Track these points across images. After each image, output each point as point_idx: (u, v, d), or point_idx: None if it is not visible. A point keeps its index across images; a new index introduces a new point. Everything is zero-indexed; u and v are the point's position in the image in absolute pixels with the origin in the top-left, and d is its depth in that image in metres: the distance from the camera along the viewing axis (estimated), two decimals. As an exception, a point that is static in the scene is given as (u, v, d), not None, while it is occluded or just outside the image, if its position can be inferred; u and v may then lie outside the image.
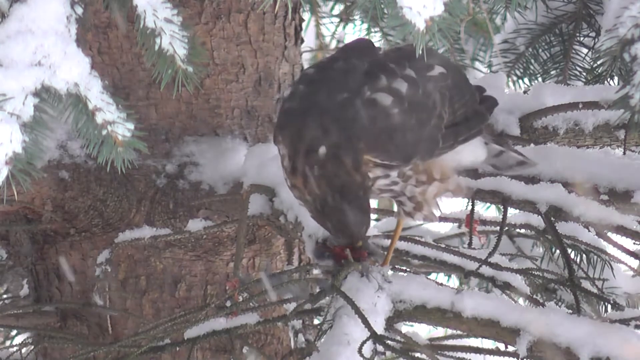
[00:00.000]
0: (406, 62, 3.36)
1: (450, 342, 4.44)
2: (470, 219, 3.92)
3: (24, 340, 4.39)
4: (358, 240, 3.36)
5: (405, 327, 4.13)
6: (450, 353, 3.73)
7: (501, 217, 3.85)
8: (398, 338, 3.38)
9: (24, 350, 4.37)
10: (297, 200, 3.60)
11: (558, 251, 4.25)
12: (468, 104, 3.48)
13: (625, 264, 4.40)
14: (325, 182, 3.26)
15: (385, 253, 3.53)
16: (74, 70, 2.90)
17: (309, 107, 3.29)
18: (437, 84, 3.38)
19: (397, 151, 3.29)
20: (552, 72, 4.84)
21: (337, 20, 5.68)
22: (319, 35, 5.73)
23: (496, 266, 3.73)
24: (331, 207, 3.27)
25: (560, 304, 4.48)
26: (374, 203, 4.40)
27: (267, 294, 3.52)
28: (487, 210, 5.05)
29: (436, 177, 3.39)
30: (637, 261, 4.12)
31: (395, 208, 3.47)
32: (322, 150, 3.25)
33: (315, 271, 3.77)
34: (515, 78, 4.89)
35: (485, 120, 3.56)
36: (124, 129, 2.93)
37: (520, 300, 3.88)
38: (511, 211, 3.91)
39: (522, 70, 4.88)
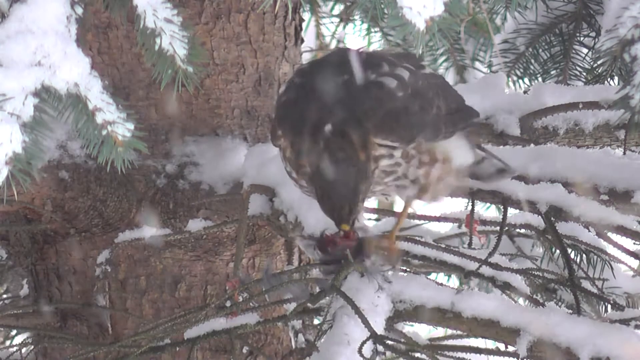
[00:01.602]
0: (402, 58, 3.39)
1: (450, 342, 4.44)
2: (470, 219, 3.91)
3: (24, 340, 4.39)
4: (340, 221, 3.27)
5: (405, 327, 4.13)
6: (450, 353, 3.73)
7: (501, 217, 3.85)
8: (398, 338, 3.38)
9: (24, 350, 4.37)
10: (297, 200, 3.60)
11: (558, 251, 4.25)
12: (458, 101, 3.51)
13: (625, 264, 4.40)
14: (327, 154, 3.22)
15: (386, 253, 3.53)
16: (74, 70, 2.90)
17: (307, 94, 3.28)
18: (430, 80, 3.40)
19: (403, 132, 3.29)
20: (552, 72, 4.84)
21: (337, 20, 5.68)
22: (319, 35, 5.73)
23: (496, 266, 3.72)
24: (320, 174, 3.23)
25: (560, 304, 4.48)
26: (373, 203, 4.41)
27: (266, 294, 3.52)
28: (487, 210, 5.05)
29: (439, 158, 3.39)
30: (637, 261, 4.12)
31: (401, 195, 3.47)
32: (328, 127, 3.22)
33: (315, 271, 3.77)
34: (515, 78, 4.89)
35: (476, 114, 3.57)
36: (124, 129, 2.93)
37: (520, 300, 3.88)
38: (511, 211, 3.90)
39: (522, 70, 4.88)
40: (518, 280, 3.81)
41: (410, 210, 3.63)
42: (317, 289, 3.54)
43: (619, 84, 4.58)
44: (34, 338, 4.29)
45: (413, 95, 3.32)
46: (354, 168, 3.22)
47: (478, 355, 3.65)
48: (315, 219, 3.65)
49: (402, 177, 3.35)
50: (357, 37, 5.63)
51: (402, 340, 3.45)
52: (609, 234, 3.84)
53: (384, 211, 4.56)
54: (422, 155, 3.36)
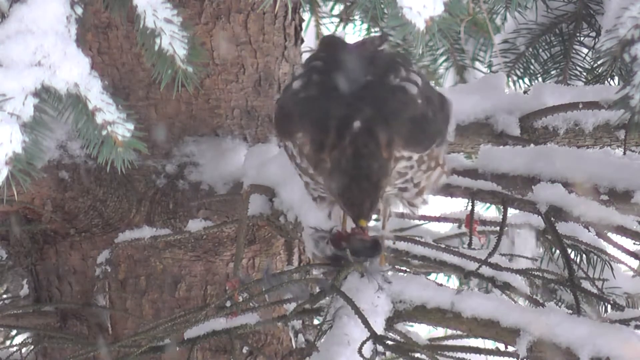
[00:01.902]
0: (403, 60, 3.41)
1: (450, 342, 4.44)
2: (470, 219, 3.91)
3: (24, 340, 4.39)
4: (360, 216, 3.24)
5: (405, 327, 4.14)
6: (450, 353, 3.73)
7: (501, 217, 3.85)
8: (398, 338, 3.38)
9: (24, 350, 4.37)
10: (297, 200, 3.59)
11: (558, 251, 4.25)
12: (441, 99, 3.53)
13: (625, 264, 4.40)
14: (351, 149, 3.21)
15: (386, 254, 3.53)
16: (74, 71, 2.90)
17: (331, 92, 3.27)
18: (427, 83, 3.42)
19: (425, 139, 3.32)
20: (553, 72, 4.84)
21: (337, 20, 5.68)
22: (319, 35, 5.72)
23: (496, 266, 3.73)
24: (342, 168, 3.21)
25: (560, 304, 4.48)
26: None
27: (266, 294, 3.52)
28: (487, 211, 5.05)
29: (440, 163, 3.41)
30: (637, 261, 4.12)
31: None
32: (357, 124, 3.22)
33: (315, 271, 3.77)
34: (515, 78, 4.89)
35: (449, 103, 3.57)
36: (123, 129, 2.93)
37: (520, 301, 3.87)
38: (511, 211, 3.90)
39: (522, 70, 4.88)
40: (518, 281, 3.81)
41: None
42: (317, 289, 3.54)
43: (619, 84, 4.58)
44: (34, 338, 4.28)
45: (426, 101, 3.33)
46: (377, 164, 3.21)
47: (478, 355, 3.65)
48: (315, 218, 3.65)
49: (409, 180, 3.36)
50: (357, 37, 5.63)
51: (402, 340, 3.45)
52: (609, 234, 3.84)
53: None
54: (431, 160, 3.37)
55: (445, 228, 4.81)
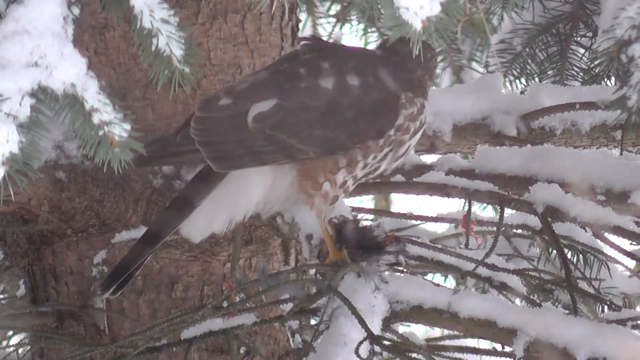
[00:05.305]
0: None
1: (447, 342, 4.44)
2: (467, 220, 3.92)
3: (21, 340, 4.38)
4: None
5: (402, 328, 4.14)
6: (447, 353, 3.73)
7: (498, 217, 3.85)
8: (395, 338, 3.38)
9: (20, 350, 4.36)
10: None
11: (555, 251, 4.25)
12: None
13: (622, 265, 4.40)
14: None
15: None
16: (70, 71, 2.90)
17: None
18: None
19: None
20: (549, 72, 4.84)
21: (334, 20, 5.69)
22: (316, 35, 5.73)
23: (493, 267, 3.73)
24: None
25: (557, 304, 4.48)
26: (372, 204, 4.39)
27: (263, 295, 3.52)
28: (484, 211, 5.05)
29: None
30: (634, 261, 4.13)
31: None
32: None
33: (312, 271, 3.76)
34: (512, 78, 4.90)
35: None
36: (120, 130, 2.93)
37: (517, 301, 3.88)
38: (508, 211, 3.91)
39: (519, 71, 4.89)
40: (515, 281, 3.81)
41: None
42: (314, 290, 3.54)
43: (615, 84, 4.58)
44: (30, 338, 4.28)
45: None
46: None
47: (475, 355, 3.65)
48: (312, 219, 3.65)
49: None
50: (353, 37, 5.64)
51: (399, 340, 3.45)
52: (606, 234, 3.84)
53: (381, 212, 4.55)
54: None
55: (442, 228, 4.81)
